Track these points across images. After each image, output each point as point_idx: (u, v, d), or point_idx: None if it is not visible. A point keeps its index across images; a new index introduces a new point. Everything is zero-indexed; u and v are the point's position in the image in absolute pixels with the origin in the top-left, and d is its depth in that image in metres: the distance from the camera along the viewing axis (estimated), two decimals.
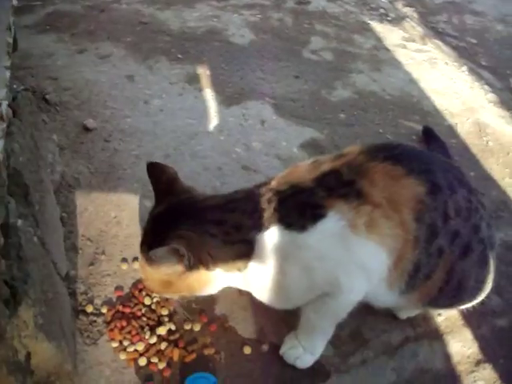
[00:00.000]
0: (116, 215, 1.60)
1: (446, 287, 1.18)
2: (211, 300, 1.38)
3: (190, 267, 1.09)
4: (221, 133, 1.95)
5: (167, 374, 1.23)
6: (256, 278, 1.15)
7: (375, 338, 1.35)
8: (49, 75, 2.13)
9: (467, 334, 1.38)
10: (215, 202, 1.18)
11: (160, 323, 1.32)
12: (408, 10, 3.06)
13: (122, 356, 1.25)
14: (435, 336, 1.37)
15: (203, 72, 2.27)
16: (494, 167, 1.95)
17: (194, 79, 2.22)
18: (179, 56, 2.36)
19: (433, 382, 1.28)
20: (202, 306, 1.37)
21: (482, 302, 1.36)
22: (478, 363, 1.32)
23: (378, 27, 2.82)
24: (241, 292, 1.33)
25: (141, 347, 1.26)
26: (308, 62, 2.44)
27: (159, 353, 1.26)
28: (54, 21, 2.52)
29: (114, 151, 1.82)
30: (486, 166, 1.95)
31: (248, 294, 1.29)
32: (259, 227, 1.11)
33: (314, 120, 2.06)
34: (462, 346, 1.36)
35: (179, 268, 1.08)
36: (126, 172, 1.75)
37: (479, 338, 1.38)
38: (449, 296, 1.21)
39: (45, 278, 1.11)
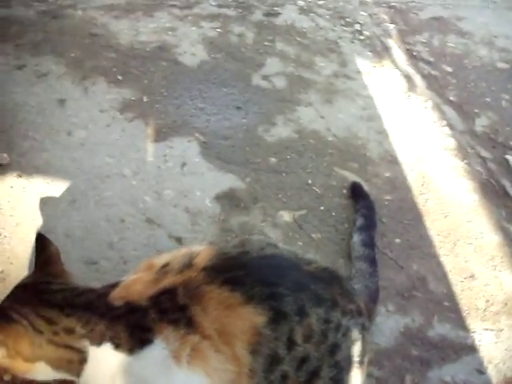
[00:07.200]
0: (3, 269, 1.56)
1: None
2: None
3: (8, 355, 1.03)
4: (135, 176, 1.86)
5: None
6: None
7: None
8: None
9: None
10: (59, 299, 1.09)
11: None
12: (386, 27, 2.83)
13: None
14: None
15: (139, 98, 2.17)
16: (425, 234, 1.79)
17: (127, 107, 2.12)
18: (119, 77, 2.26)
19: None
20: None
21: None
22: None
23: (346, 48, 2.62)
24: None
25: None
26: (255, 90, 2.29)
27: None
28: (2, 28, 2.45)
29: (21, 190, 1.76)
30: (416, 232, 1.80)
31: None
32: (91, 340, 1.03)
33: (240, 164, 1.94)
34: None
35: None
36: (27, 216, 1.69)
37: None
38: None
39: None
